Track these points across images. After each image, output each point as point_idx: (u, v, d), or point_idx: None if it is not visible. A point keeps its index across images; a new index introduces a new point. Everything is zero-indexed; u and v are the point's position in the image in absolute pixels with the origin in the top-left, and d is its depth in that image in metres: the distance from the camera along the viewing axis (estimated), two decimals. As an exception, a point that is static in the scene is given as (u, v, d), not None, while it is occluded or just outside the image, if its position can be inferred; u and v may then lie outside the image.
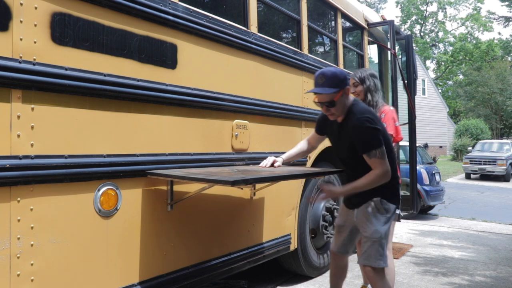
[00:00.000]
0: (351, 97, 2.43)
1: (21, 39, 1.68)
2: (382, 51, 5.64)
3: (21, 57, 1.69)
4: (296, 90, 3.52)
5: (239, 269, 2.87)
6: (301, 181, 3.57)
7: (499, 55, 36.93)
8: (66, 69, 1.83)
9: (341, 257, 2.64)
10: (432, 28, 43.32)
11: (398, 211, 2.55)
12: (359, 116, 2.30)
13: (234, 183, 1.92)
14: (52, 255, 1.80)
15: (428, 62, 43.07)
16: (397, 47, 5.27)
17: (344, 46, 4.46)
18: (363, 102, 2.93)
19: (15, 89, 1.68)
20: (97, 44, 1.96)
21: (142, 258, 2.19)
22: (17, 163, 1.67)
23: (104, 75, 1.99)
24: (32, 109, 1.73)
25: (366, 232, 2.40)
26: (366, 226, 2.40)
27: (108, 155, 2.02)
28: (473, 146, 19.56)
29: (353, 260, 3.47)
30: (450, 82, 43.12)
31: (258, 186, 2.94)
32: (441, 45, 43.25)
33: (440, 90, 36.94)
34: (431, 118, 26.96)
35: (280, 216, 3.31)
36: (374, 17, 5.22)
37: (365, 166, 2.32)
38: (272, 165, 2.68)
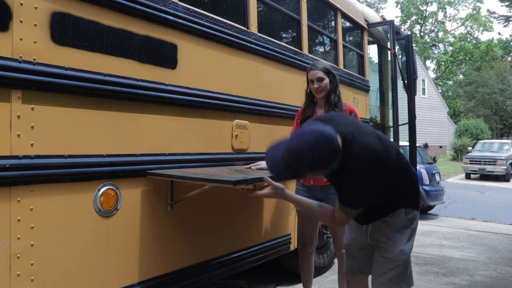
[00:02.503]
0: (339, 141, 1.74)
1: (21, 39, 1.68)
2: (382, 51, 5.64)
3: (21, 57, 1.69)
4: (296, 90, 3.52)
5: (239, 269, 2.87)
6: (301, 181, 3.56)
7: (499, 55, 36.93)
8: (66, 69, 1.83)
9: (357, 277, 2.12)
10: (432, 28, 43.32)
11: None
12: (360, 163, 1.69)
13: (236, 183, 1.90)
14: (52, 255, 1.80)
15: (428, 62, 43.09)
16: (397, 47, 5.27)
17: (344, 46, 4.45)
18: (329, 98, 2.79)
19: (15, 89, 1.68)
20: (97, 44, 1.96)
21: (142, 258, 2.19)
22: (17, 163, 1.67)
23: (104, 75, 1.99)
24: (32, 109, 1.73)
25: (388, 253, 1.91)
26: (388, 246, 1.91)
27: (108, 155, 2.02)
28: (473, 146, 19.56)
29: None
30: (450, 82, 43.12)
31: (258, 185, 2.94)
32: (441, 45, 43.26)
33: (440, 90, 36.93)
34: (431, 118, 26.96)
35: (280, 216, 3.31)
36: (374, 17, 5.22)
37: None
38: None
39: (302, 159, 1.61)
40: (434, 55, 43.09)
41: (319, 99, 2.89)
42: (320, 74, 2.79)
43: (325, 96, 2.84)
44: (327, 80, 2.81)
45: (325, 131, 1.62)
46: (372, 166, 1.69)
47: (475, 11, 40.48)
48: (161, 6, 2.26)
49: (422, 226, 6.90)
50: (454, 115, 38.00)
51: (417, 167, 6.46)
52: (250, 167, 2.58)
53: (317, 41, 4.63)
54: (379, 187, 1.75)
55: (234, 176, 2.05)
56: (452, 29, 47.48)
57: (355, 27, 4.90)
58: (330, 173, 1.87)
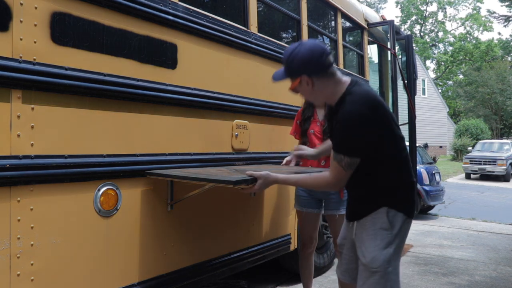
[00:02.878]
0: (344, 78, 1.80)
1: (21, 39, 1.68)
2: (382, 51, 5.64)
3: (21, 57, 1.69)
4: (296, 90, 3.52)
5: (239, 269, 2.87)
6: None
7: (499, 55, 36.93)
8: (66, 69, 1.83)
9: (347, 285, 2.01)
10: (432, 28, 43.33)
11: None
12: (348, 107, 1.69)
13: (236, 183, 1.90)
14: (52, 255, 1.80)
15: (428, 62, 43.09)
16: (397, 47, 5.27)
17: (344, 46, 4.45)
18: None
19: (15, 89, 1.68)
20: (97, 44, 1.96)
21: (142, 258, 2.19)
22: (17, 163, 1.67)
23: (104, 75, 1.99)
24: (32, 109, 1.73)
25: (362, 258, 1.80)
26: (363, 249, 1.80)
27: (108, 155, 2.02)
28: (473, 146, 19.56)
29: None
30: (450, 82, 43.12)
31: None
32: (441, 45, 43.27)
33: (440, 90, 36.94)
34: (431, 118, 26.95)
35: (280, 216, 3.31)
36: (374, 17, 5.22)
37: (360, 173, 1.79)
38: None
39: (295, 53, 1.72)
40: (434, 55, 43.10)
41: None
42: None
43: None
44: None
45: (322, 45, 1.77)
46: (365, 105, 1.67)
47: (475, 11, 40.49)
48: (161, 6, 2.26)
49: (422, 226, 6.90)
50: (454, 115, 38.01)
51: (417, 167, 6.46)
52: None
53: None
54: (370, 130, 1.68)
55: (234, 176, 2.05)
56: (452, 29, 47.50)
57: (355, 27, 4.90)
58: (329, 119, 1.92)
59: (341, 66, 4.23)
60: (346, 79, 1.80)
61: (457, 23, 54.22)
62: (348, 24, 4.76)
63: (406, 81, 5.24)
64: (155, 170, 2.20)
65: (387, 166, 1.80)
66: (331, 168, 1.78)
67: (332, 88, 1.78)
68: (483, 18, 39.63)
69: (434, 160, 9.54)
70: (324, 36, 4.54)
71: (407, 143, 5.44)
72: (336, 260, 3.75)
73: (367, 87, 1.79)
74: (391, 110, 5.20)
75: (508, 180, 15.79)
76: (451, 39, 42.00)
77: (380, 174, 1.79)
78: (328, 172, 1.80)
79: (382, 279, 1.74)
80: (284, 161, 2.77)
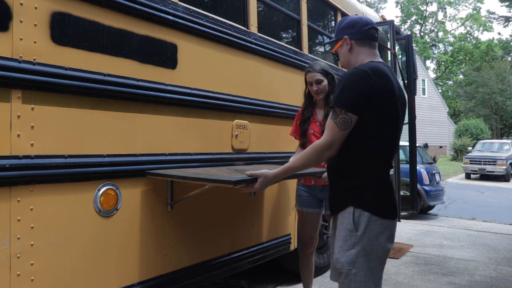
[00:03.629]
0: (371, 54, 1.89)
1: (21, 39, 1.68)
2: (382, 51, 5.64)
3: (21, 57, 1.69)
4: (296, 90, 3.51)
5: (239, 269, 2.87)
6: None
7: (499, 55, 36.93)
8: (66, 69, 1.83)
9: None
10: (432, 28, 43.33)
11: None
12: (359, 66, 1.80)
13: (236, 183, 1.88)
14: (52, 255, 1.80)
15: (428, 62, 43.09)
16: (397, 47, 5.27)
17: (344, 46, 4.45)
18: (328, 100, 2.75)
19: (15, 89, 1.68)
20: (97, 44, 1.96)
21: (142, 258, 2.19)
22: (17, 163, 1.67)
23: (104, 75, 1.98)
24: (32, 109, 1.73)
25: (331, 257, 1.84)
26: (332, 247, 1.84)
27: (108, 155, 2.02)
28: (473, 146, 19.56)
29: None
30: (450, 82, 43.13)
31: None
32: (441, 45, 43.27)
33: (440, 90, 36.95)
34: (431, 118, 26.96)
35: (280, 216, 3.31)
36: (374, 17, 5.22)
37: (339, 164, 1.84)
38: None
39: (347, 18, 1.95)
40: (434, 55, 43.10)
41: (319, 100, 2.89)
42: (319, 76, 2.80)
43: (325, 97, 2.84)
44: (325, 82, 2.82)
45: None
46: (369, 69, 1.74)
47: (475, 11, 40.49)
48: (161, 6, 2.26)
49: (422, 226, 6.90)
50: (454, 115, 38.01)
51: (417, 167, 6.45)
52: None
53: (317, 41, 4.63)
54: (367, 86, 1.71)
55: (234, 176, 2.04)
56: (452, 29, 47.53)
57: (355, 27, 4.90)
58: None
59: (341, 66, 4.24)
60: (376, 58, 1.89)
61: (457, 23, 54.28)
62: (348, 24, 4.75)
63: (406, 81, 5.23)
64: (155, 170, 2.20)
65: (366, 159, 1.80)
66: (326, 128, 1.79)
67: (364, 57, 1.87)
68: (483, 18, 39.64)
69: (434, 160, 9.55)
70: (324, 36, 4.54)
71: (407, 143, 5.48)
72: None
73: (386, 68, 1.83)
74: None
75: (508, 180, 15.80)
76: (451, 39, 42.01)
77: (355, 167, 1.80)
78: (323, 135, 1.80)
79: (345, 280, 1.75)
80: None
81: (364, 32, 1.88)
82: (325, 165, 2.81)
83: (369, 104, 1.73)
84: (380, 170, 1.83)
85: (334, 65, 4.10)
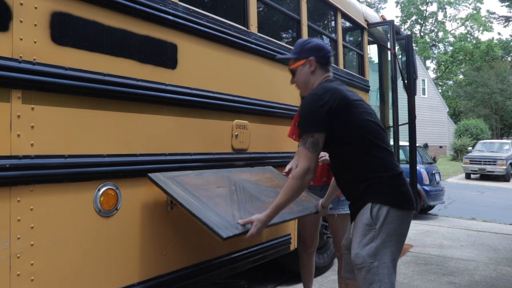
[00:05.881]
0: (326, 75, 2.05)
1: (21, 39, 1.68)
2: (382, 51, 5.64)
3: (21, 57, 1.68)
4: (296, 90, 3.51)
5: (239, 269, 2.86)
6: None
7: (499, 55, 36.94)
8: (66, 69, 1.83)
9: (352, 282, 2.05)
10: (432, 28, 43.34)
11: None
12: (310, 92, 1.94)
13: (225, 239, 1.89)
14: (52, 255, 1.80)
15: (428, 62, 43.09)
16: (397, 47, 5.27)
17: (344, 46, 4.46)
18: None
19: (15, 89, 1.67)
20: (97, 44, 1.96)
21: (142, 258, 2.19)
22: (17, 163, 1.67)
23: (104, 75, 1.98)
24: (32, 109, 1.73)
25: (352, 255, 1.88)
26: (352, 245, 1.89)
27: (108, 155, 2.02)
28: (473, 146, 19.56)
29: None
30: (450, 82, 43.13)
31: (261, 176, 2.94)
32: (441, 45, 43.28)
33: (440, 90, 36.94)
34: (431, 118, 26.96)
35: (280, 216, 3.30)
36: (374, 17, 5.22)
37: (338, 158, 1.96)
38: None
39: (311, 40, 2.09)
40: (434, 55, 43.10)
41: None
42: None
43: None
44: None
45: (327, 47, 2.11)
46: (321, 90, 1.89)
47: (475, 11, 40.49)
48: (161, 6, 2.26)
49: (422, 226, 6.90)
50: (454, 115, 38.01)
51: (417, 167, 6.46)
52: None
53: (317, 41, 4.62)
54: (323, 106, 1.83)
55: (225, 230, 1.94)
56: (452, 29, 47.58)
57: (355, 27, 4.90)
58: None
59: (341, 66, 4.24)
60: (328, 77, 2.06)
61: (457, 23, 54.28)
62: (348, 24, 4.76)
63: (406, 81, 5.24)
64: (157, 177, 2.17)
65: (366, 160, 1.87)
66: (300, 156, 1.89)
67: (320, 80, 2.03)
68: (483, 18, 39.64)
69: (434, 160, 9.54)
70: (324, 36, 4.54)
71: (407, 143, 5.48)
72: (336, 260, 3.75)
73: (334, 85, 1.97)
74: (391, 110, 5.21)
75: (508, 180, 15.79)
76: (451, 39, 42.01)
77: (360, 171, 1.87)
78: (299, 163, 1.88)
79: (368, 274, 1.77)
80: (287, 168, 2.64)
81: (328, 58, 2.05)
82: (326, 182, 2.84)
83: (333, 118, 1.85)
84: (384, 160, 1.88)
85: (334, 65, 4.10)
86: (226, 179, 2.52)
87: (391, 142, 5.21)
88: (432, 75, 40.76)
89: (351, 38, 5.28)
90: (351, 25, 4.80)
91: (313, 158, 1.85)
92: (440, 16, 44.12)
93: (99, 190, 1.98)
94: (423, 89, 27.13)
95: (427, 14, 42.20)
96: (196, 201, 2.10)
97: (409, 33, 23.65)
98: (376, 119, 1.95)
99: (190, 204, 2.06)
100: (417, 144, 5.74)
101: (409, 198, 1.87)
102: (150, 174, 2.17)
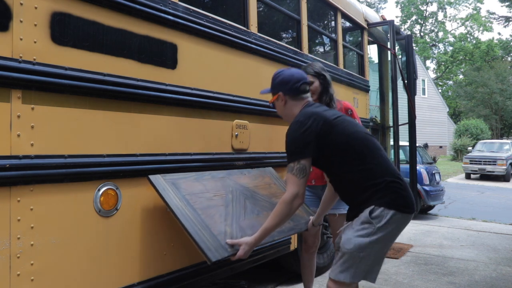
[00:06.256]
0: (303, 102, 2.12)
1: (21, 39, 1.68)
2: (382, 51, 5.64)
3: (21, 57, 1.68)
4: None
5: (239, 269, 2.86)
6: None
7: (499, 55, 36.94)
8: (66, 69, 1.83)
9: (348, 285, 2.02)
10: (432, 28, 43.34)
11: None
12: (293, 120, 2.02)
13: (214, 263, 1.96)
14: (52, 255, 1.80)
15: (428, 62, 43.09)
16: (397, 47, 5.27)
17: (344, 46, 4.45)
18: (320, 99, 2.78)
19: (15, 89, 1.67)
20: (97, 44, 1.96)
21: (142, 258, 2.19)
22: (17, 163, 1.67)
23: (104, 75, 1.98)
24: (32, 109, 1.73)
25: (341, 241, 1.95)
26: (343, 235, 1.97)
27: (108, 155, 2.02)
28: (473, 146, 19.56)
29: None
30: (450, 82, 43.13)
31: (259, 181, 2.94)
32: (441, 45, 43.28)
33: (440, 90, 36.94)
34: (431, 118, 26.96)
35: (280, 216, 3.30)
36: (374, 17, 5.22)
37: (333, 175, 2.01)
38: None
39: (280, 74, 2.16)
40: (434, 55, 43.10)
41: (315, 102, 2.89)
42: (309, 77, 2.79)
43: (318, 98, 2.85)
44: (317, 83, 2.78)
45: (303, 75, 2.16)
46: (302, 116, 1.96)
47: (475, 11, 40.49)
48: (161, 6, 2.26)
49: (422, 226, 6.90)
50: (454, 115, 38.01)
51: (417, 167, 6.46)
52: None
53: (317, 41, 4.63)
54: (306, 132, 1.91)
55: (214, 252, 2.00)
56: (452, 29, 47.58)
57: (355, 27, 4.90)
58: None
59: (341, 66, 4.24)
60: (307, 103, 2.11)
61: (457, 23, 54.31)
62: (348, 24, 4.76)
63: (406, 81, 5.24)
64: (157, 181, 2.16)
65: (356, 174, 1.91)
66: (288, 182, 1.94)
67: (297, 109, 2.09)
68: (483, 18, 39.64)
69: (434, 160, 9.54)
70: (324, 36, 4.55)
71: (407, 143, 5.48)
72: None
73: (313, 109, 2.04)
74: (391, 110, 5.21)
75: (508, 180, 15.79)
76: (451, 39, 42.02)
77: (355, 183, 1.93)
78: (287, 189, 1.94)
79: (350, 260, 1.87)
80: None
81: (296, 89, 2.09)
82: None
83: (318, 141, 1.91)
84: (379, 166, 1.92)
85: (335, 66, 4.10)
86: (225, 185, 2.51)
87: (391, 142, 5.21)
88: (432, 75, 40.77)
89: (351, 38, 5.28)
90: (351, 25, 4.80)
91: (301, 183, 1.90)
92: (440, 16, 44.16)
93: (99, 190, 1.98)
94: (423, 89, 27.13)
95: (427, 14, 42.22)
96: (192, 215, 2.12)
97: (409, 33, 23.66)
98: (360, 127, 2.00)
99: (186, 219, 2.08)
100: (417, 144, 5.74)
101: (410, 202, 1.91)
102: (150, 177, 2.16)
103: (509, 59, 35.92)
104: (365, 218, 1.86)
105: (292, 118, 2.06)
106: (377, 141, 2.02)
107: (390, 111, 5.39)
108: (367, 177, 1.89)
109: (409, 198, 1.91)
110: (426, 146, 10.54)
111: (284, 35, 3.95)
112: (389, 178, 1.89)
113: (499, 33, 53.44)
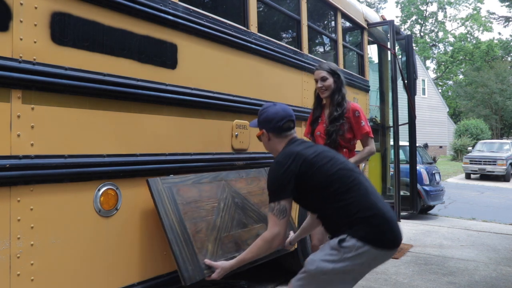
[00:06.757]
0: (287, 139, 2.11)
1: (21, 39, 1.68)
2: (382, 51, 5.64)
3: (21, 57, 1.69)
4: (296, 90, 3.52)
5: (239, 269, 2.86)
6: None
7: (499, 55, 36.94)
8: (66, 69, 1.83)
9: None
10: (432, 28, 43.34)
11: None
12: (274, 160, 2.02)
13: (187, 285, 2.05)
14: (52, 255, 1.80)
15: (428, 62, 43.10)
16: (397, 47, 5.27)
17: (344, 46, 4.46)
18: (333, 98, 2.82)
19: (15, 89, 1.68)
20: (97, 44, 1.96)
21: (142, 258, 2.19)
22: (17, 163, 1.67)
23: (104, 75, 1.98)
24: (32, 109, 1.73)
25: (309, 256, 1.98)
26: (318, 251, 1.97)
27: (108, 155, 2.02)
28: (473, 146, 19.55)
29: None
30: (450, 82, 43.13)
31: (255, 185, 2.94)
32: (441, 45, 43.28)
33: (440, 90, 36.94)
34: (431, 118, 26.96)
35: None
36: (374, 17, 5.22)
37: (315, 211, 1.99)
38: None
39: (265, 110, 2.14)
40: (434, 55, 43.10)
41: (326, 100, 2.91)
42: (324, 73, 2.84)
43: (330, 96, 2.87)
44: (331, 80, 2.83)
45: (287, 113, 2.12)
46: (282, 156, 1.97)
47: (475, 11, 40.49)
48: (161, 6, 2.26)
49: (422, 226, 6.90)
50: (454, 115, 38.01)
51: (417, 167, 6.46)
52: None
53: (317, 41, 4.63)
54: (286, 173, 1.90)
55: (196, 271, 2.13)
56: (452, 29, 47.57)
57: (355, 27, 4.91)
58: None
59: (341, 66, 4.24)
60: (291, 140, 2.09)
61: (457, 23, 54.32)
62: (348, 24, 4.76)
63: (406, 81, 5.25)
64: (154, 185, 2.17)
65: (335, 211, 1.87)
66: (269, 221, 1.95)
67: (281, 146, 2.10)
68: (483, 18, 39.63)
69: (434, 160, 9.54)
70: (324, 36, 4.55)
71: (407, 143, 5.48)
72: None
73: (294, 147, 2.02)
74: (391, 110, 5.21)
75: (508, 180, 15.79)
76: (451, 39, 42.01)
77: (334, 219, 1.89)
78: (268, 228, 1.95)
79: (309, 278, 1.88)
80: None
81: (279, 127, 2.08)
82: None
83: (298, 181, 1.90)
84: (359, 201, 1.85)
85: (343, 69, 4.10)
86: (220, 190, 2.53)
87: (391, 142, 5.21)
88: (432, 75, 40.76)
89: (351, 38, 5.28)
90: (351, 25, 4.80)
91: (281, 224, 1.91)
92: (440, 16, 44.11)
93: (99, 190, 1.98)
94: (423, 89, 27.13)
95: (427, 14, 42.21)
96: (179, 227, 2.18)
97: (409, 33, 23.68)
98: (339, 163, 1.95)
99: (172, 231, 2.15)
100: (417, 144, 5.74)
101: (389, 237, 1.84)
102: (149, 180, 2.17)
103: (509, 59, 35.92)
104: (334, 244, 1.82)
105: (277, 154, 2.09)
106: (361, 174, 1.97)
107: (390, 111, 5.39)
108: (346, 213, 1.85)
109: (390, 233, 1.84)
110: (426, 146, 10.53)
111: (284, 35, 3.95)
112: (370, 213, 1.82)
113: (499, 33, 53.43)
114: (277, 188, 1.92)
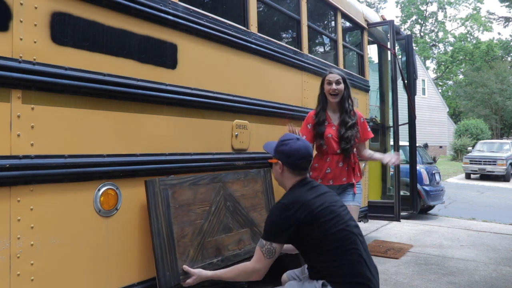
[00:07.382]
0: (298, 178, 2.07)
1: (21, 39, 1.68)
2: (382, 51, 5.64)
3: (21, 57, 1.68)
4: (296, 90, 3.52)
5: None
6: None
7: (499, 55, 36.93)
8: (66, 69, 1.83)
9: None
10: (432, 28, 43.35)
11: None
12: (279, 200, 2.02)
13: None
14: (52, 255, 1.80)
15: (428, 62, 43.09)
16: (397, 47, 5.27)
17: (344, 46, 4.46)
18: (343, 105, 2.96)
19: (15, 89, 1.67)
20: (97, 44, 1.96)
21: (142, 258, 2.19)
22: (17, 163, 1.67)
23: (104, 75, 1.98)
24: (32, 109, 1.73)
25: (287, 282, 2.12)
26: (293, 281, 2.13)
27: (108, 155, 2.02)
28: (473, 146, 19.55)
29: None
30: (450, 82, 43.13)
31: (250, 188, 2.94)
32: (441, 45, 43.28)
33: (440, 90, 36.94)
34: (431, 118, 26.96)
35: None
36: (374, 17, 5.22)
37: (308, 258, 1.99)
38: None
39: (287, 143, 2.08)
40: (434, 55, 43.10)
41: (332, 104, 2.99)
42: (339, 77, 2.97)
43: (339, 102, 2.98)
44: (343, 85, 2.97)
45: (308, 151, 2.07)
46: (287, 200, 1.95)
47: (475, 11, 40.49)
48: (161, 6, 2.25)
49: (422, 226, 6.90)
50: (454, 115, 38.00)
51: (417, 167, 6.46)
52: None
53: (317, 41, 4.63)
54: (287, 219, 1.89)
55: (172, 277, 2.18)
56: (452, 29, 47.57)
57: (355, 27, 4.91)
58: None
59: (341, 66, 4.24)
60: (302, 181, 2.06)
61: (457, 23, 54.34)
62: (348, 24, 4.76)
63: (406, 81, 5.25)
64: (152, 185, 2.18)
65: (323, 265, 1.90)
66: (255, 255, 1.98)
67: (291, 183, 2.07)
68: (483, 18, 39.63)
69: (434, 160, 9.54)
70: (324, 36, 4.55)
71: (407, 143, 5.48)
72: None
73: (303, 193, 1.98)
74: (391, 110, 5.21)
75: (508, 180, 15.79)
76: (451, 39, 42.01)
77: (318, 271, 1.92)
78: (249, 262, 2.01)
79: None
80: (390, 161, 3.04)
81: (297, 165, 2.04)
82: (333, 184, 2.92)
83: (298, 230, 1.89)
84: (348, 269, 1.86)
85: (334, 65, 4.10)
86: (215, 192, 2.55)
87: (391, 142, 5.21)
88: (432, 75, 40.75)
89: (351, 38, 5.29)
90: (351, 25, 4.81)
91: (265, 263, 1.95)
92: (440, 16, 44.15)
93: (99, 190, 1.98)
94: (423, 89, 27.13)
95: (427, 14, 42.21)
96: (166, 232, 2.20)
97: (409, 33, 23.68)
98: (342, 222, 1.92)
99: (159, 235, 2.17)
100: (417, 144, 5.74)
101: None
102: (147, 181, 2.17)
103: (509, 59, 35.91)
104: (317, 284, 1.86)
105: (283, 186, 2.10)
106: (360, 235, 1.96)
107: (390, 111, 5.39)
108: (335, 272, 1.86)
109: None
110: (426, 146, 10.53)
111: (284, 35, 3.95)
112: (357, 280, 1.84)
113: (499, 33, 53.62)
114: (275, 231, 1.93)
